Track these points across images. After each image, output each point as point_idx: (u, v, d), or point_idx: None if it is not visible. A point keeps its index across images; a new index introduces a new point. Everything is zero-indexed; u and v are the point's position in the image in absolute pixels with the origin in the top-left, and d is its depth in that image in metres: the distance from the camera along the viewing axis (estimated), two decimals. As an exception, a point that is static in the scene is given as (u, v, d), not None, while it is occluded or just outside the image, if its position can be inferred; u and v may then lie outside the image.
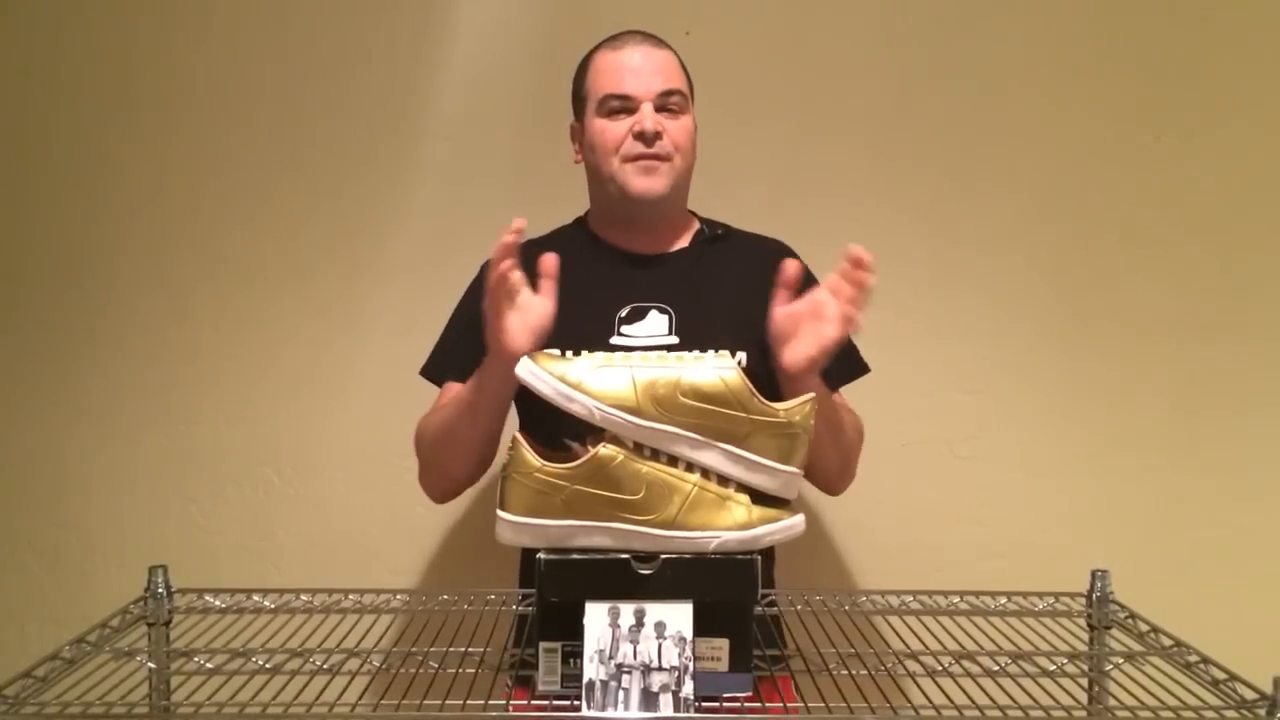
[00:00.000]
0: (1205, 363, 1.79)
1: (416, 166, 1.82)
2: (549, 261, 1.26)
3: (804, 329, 1.24)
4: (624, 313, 1.43)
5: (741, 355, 1.38)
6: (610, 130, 1.43)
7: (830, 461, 1.43)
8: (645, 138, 1.41)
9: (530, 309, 1.25)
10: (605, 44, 1.47)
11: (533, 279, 1.49)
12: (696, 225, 1.54)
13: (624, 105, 1.42)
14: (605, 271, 1.48)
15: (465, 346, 1.49)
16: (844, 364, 1.53)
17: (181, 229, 1.83)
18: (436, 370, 1.52)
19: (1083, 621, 1.27)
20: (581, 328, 1.36)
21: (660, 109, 1.42)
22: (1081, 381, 1.80)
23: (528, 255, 1.55)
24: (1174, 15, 1.78)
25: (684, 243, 1.52)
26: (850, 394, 1.54)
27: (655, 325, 1.43)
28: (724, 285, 1.48)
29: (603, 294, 1.45)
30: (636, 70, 1.42)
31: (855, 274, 1.21)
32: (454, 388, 1.47)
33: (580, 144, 1.50)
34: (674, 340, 1.41)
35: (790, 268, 1.26)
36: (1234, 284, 1.79)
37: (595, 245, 1.52)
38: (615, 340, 1.41)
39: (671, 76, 1.44)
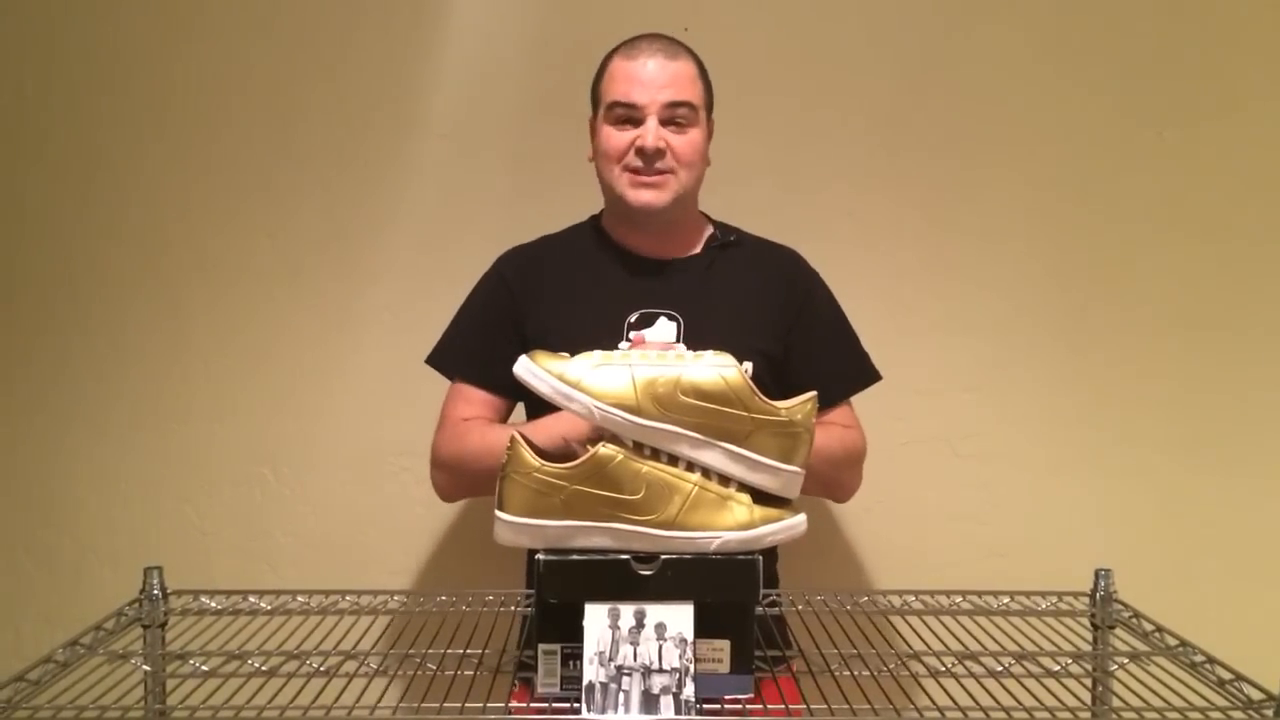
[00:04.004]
0: (1209, 359, 1.78)
1: (412, 163, 1.81)
2: None
3: None
4: (633, 318, 1.43)
5: (748, 365, 1.37)
6: (615, 138, 1.43)
7: (830, 482, 1.45)
8: (645, 155, 1.41)
9: None
10: (623, 47, 1.46)
11: (547, 283, 1.48)
12: (709, 230, 1.54)
13: (630, 114, 1.42)
14: (616, 275, 1.48)
15: (479, 342, 1.49)
16: (855, 372, 1.53)
17: (174, 227, 1.82)
18: (446, 363, 1.52)
19: (1086, 621, 1.27)
20: (591, 331, 1.36)
21: (667, 121, 1.41)
22: (1084, 379, 1.79)
23: (541, 252, 1.55)
24: (1178, 10, 1.77)
25: (696, 248, 1.51)
26: (850, 392, 1.53)
27: (664, 332, 1.42)
28: (733, 294, 1.48)
29: (613, 298, 1.45)
30: (646, 81, 1.41)
31: None
32: (466, 391, 1.47)
33: (594, 143, 1.49)
34: (681, 347, 1.41)
35: None
36: (1238, 280, 1.78)
37: (608, 247, 1.51)
38: (624, 345, 1.41)
39: (683, 88, 1.43)
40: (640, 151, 1.40)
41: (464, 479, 1.46)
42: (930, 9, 1.77)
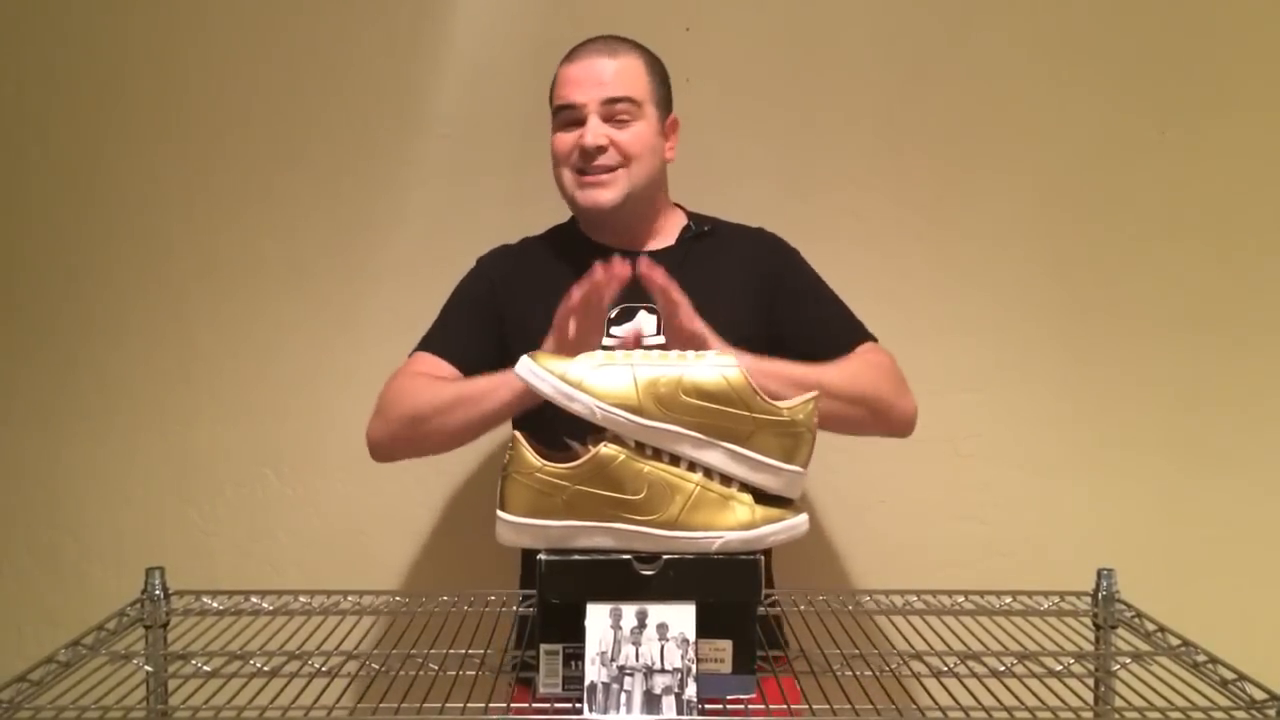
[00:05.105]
0: (1211, 359, 1.78)
1: (415, 164, 1.81)
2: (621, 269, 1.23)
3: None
4: (613, 313, 1.42)
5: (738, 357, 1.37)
6: (561, 141, 1.46)
7: (851, 415, 1.39)
8: (586, 153, 1.43)
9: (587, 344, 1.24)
10: (567, 56, 1.49)
11: (525, 278, 1.49)
12: (684, 221, 1.54)
13: (572, 115, 1.44)
14: None
15: (455, 327, 1.49)
16: (853, 324, 1.50)
17: (178, 228, 1.82)
18: (427, 345, 1.51)
19: (1088, 621, 1.27)
20: None
21: (608, 119, 1.43)
22: (1086, 379, 1.79)
23: (521, 251, 1.56)
24: (1180, 9, 1.76)
25: (670, 240, 1.52)
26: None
27: (644, 325, 1.42)
28: (711, 282, 1.46)
29: None
30: (583, 81, 1.44)
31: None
32: (431, 360, 1.46)
33: None
34: (661, 340, 1.40)
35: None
36: (1240, 280, 1.78)
37: (584, 245, 1.52)
38: (605, 341, 1.41)
39: (622, 84, 1.44)
40: (582, 151, 1.43)
41: (393, 430, 1.43)
42: (932, 9, 1.77)
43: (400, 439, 1.44)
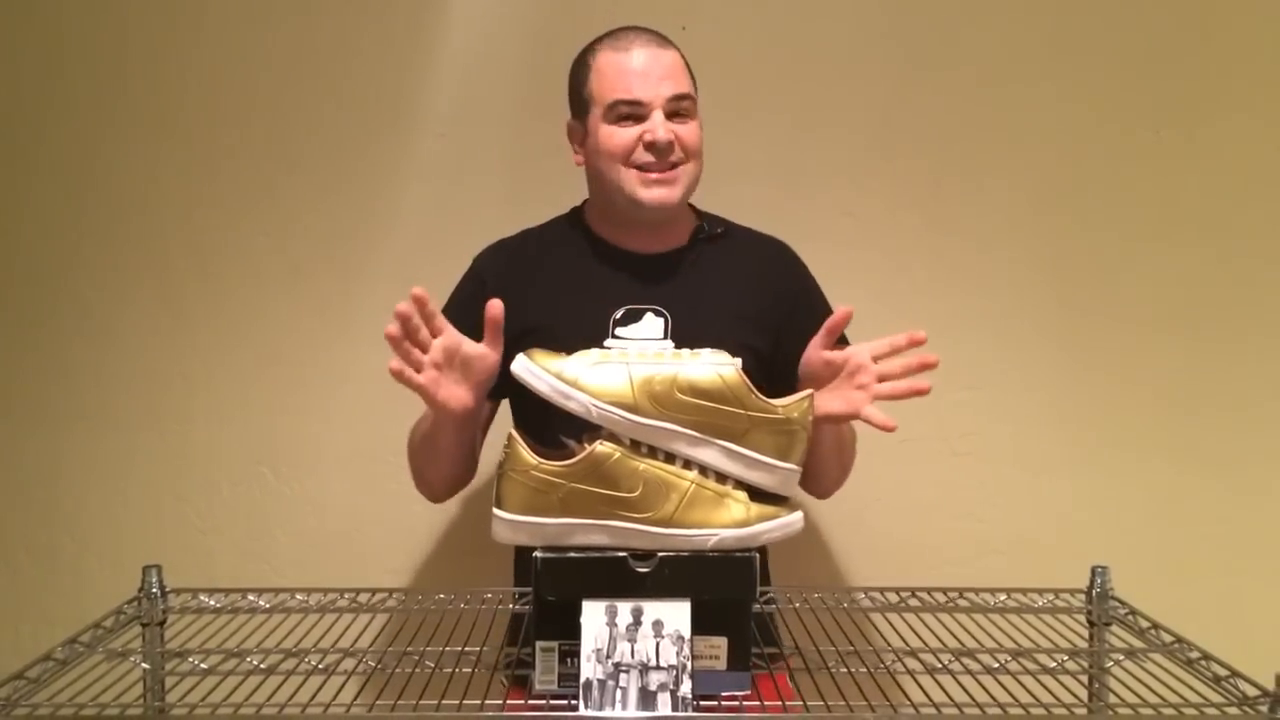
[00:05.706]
0: (1205, 359, 1.78)
1: (411, 163, 1.81)
2: (494, 309, 1.22)
3: (838, 386, 1.25)
4: (619, 315, 1.41)
5: (738, 359, 1.37)
6: (619, 136, 1.38)
7: (830, 478, 1.46)
8: (658, 149, 1.37)
9: (470, 366, 1.23)
10: (607, 42, 1.43)
11: (522, 273, 1.48)
12: (695, 221, 1.51)
13: (633, 111, 1.38)
14: (601, 271, 1.46)
15: None
16: None
17: (176, 227, 1.82)
18: None
19: (1082, 618, 1.27)
20: (576, 329, 1.33)
21: (671, 114, 1.38)
22: (1080, 378, 1.79)
23: (521, 248, 1.55)
24: (1174, 9, 1.77)
25: (682, 240, 1.48)
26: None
27: (650, 328, 1.40)
28: (721, 288, 1.45)
29: (598, 295, 1.43)
30: (645, 74, 1.38)
31: (913, 361, 1.23)
32: None
33: (581, 145, 1.46)
34: (669, 344, 1.39)
35: (840, 315, 1.25)
36: (1234, 280, 1.78)
37: (592, 242, 1.49)
38: (609, 343, 1.39)
39: (680, 80, 1.41)
40: (652, 146, 1.37)
41: (411, 470, 1.46)
42: (927, 8, 1.78)
43: (420, 483, 1.47)
